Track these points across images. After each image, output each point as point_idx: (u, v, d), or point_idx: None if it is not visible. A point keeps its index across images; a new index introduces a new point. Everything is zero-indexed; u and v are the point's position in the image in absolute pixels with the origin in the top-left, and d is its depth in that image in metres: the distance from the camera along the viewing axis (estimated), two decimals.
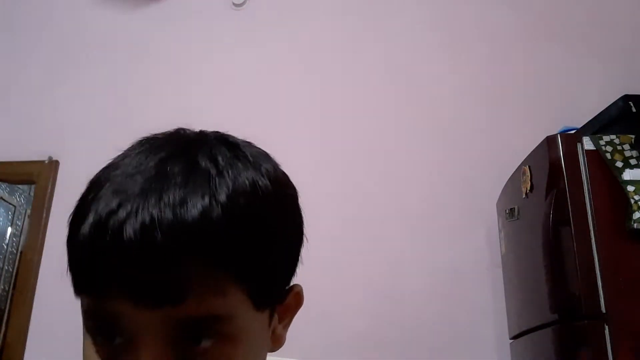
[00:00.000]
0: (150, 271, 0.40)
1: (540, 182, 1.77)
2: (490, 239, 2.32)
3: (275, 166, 0.51)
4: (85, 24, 2.97)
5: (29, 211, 3.37)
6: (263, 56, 2.76)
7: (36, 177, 2.72)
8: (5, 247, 3.59)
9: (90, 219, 0.43)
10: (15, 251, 3.64)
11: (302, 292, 0.56)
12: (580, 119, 2.00)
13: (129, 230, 0.40)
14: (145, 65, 2.85)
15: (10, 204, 3.60)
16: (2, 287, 3.53)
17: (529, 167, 1.86)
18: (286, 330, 0.55)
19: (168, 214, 0.41)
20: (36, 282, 2.53)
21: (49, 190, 2.66)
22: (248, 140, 0.53)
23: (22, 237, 3.61)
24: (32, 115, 2.84)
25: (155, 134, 0.51)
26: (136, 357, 0.42)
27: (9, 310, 2.98)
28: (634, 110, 1.74)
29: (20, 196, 3.66)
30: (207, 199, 0.42)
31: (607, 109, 1.86)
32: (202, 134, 0.51)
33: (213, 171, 0.45)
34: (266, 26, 2.82)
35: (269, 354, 0.55)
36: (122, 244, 0.40)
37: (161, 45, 2.87)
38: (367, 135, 2.56)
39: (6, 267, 3.57)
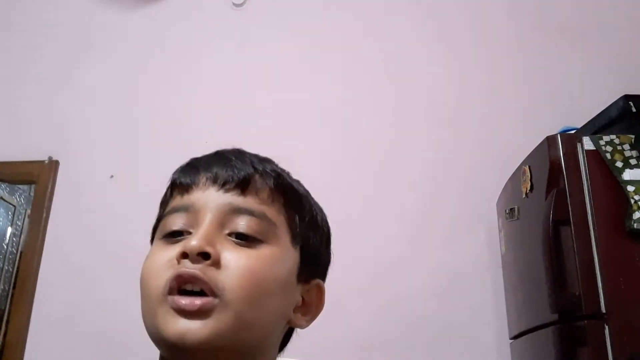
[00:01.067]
0: (231, 170, 0.58)
1: (540, 182, 1.77)
2: (490, 239, 2.32)
3: None
4: (85, 24, 2.97)
5: (29, 211, 3.37)
6: (263, 55, 2.76)
7: (36, 177, 2.72)
8: (5, 247, 3.59)
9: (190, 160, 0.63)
10: (15, 251, 3.64)
11: (324, 291, 0.66)
12: (580, 119, 2.00)
13: (229, 154, 0.61)
14: (145, 65, 2.84)
15: (10, 204, 3.60)
16: (2, 287, 3.53)
17: (529, 167, 1.86)
18: (307, 324, 0.64)
19: (249, 153, 0.62)
20: (36, 282, 2.53)
21: (49, 190, 2.66)
22: None
23: (22, 237, 3.61)
24: (32, 115, 2.84)
25: None
26: (196, 231, 0.55)
27: (9, 310, 2.99)
28: (634, 110, 1.74)
29: (20, 196, 3.67)
30: (276, 164, 0.64)
31: (607, 109, 1.85)
32: None
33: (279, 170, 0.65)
34: (266, 26, 2.82)
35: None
36: (213, 155, 0.61)
37: (161, 45, 2.87)
38: (367, 135, 2.56)
39: (6, 267, 3.58)
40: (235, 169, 0.59)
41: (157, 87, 2.78)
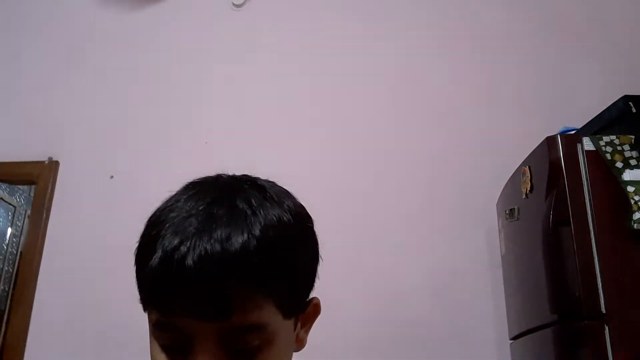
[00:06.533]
0: (205, 294, 0.53)
1: (540, 182, 1.77)
2: (490, 239, 2.32)
3: (295, 202, 0.63)
4: (85, 24, 2.97)
5: (29, 211, 3.36)
6: (262, 56, 2.77)
7: (36, 177, 2.72)
8: (5, 247, 3.58)
9: (158, 253, 0.54)
10: (15, 251, 3.63)
11: (320, 303, 0.67)
12: (580, 120, 2.00)
13: (189, 261, 0.53)
14: (145, 65, 2.85)
15: (10, 204, 3.60)
16: (2, 287, 3.52)
17: (529, 167, 1.86)
18: (307, 334, 0.66)
19: (217, 248, 0.53)
20: (36, 282, 2.53)
21: (49, 191, 2.66)
22: (272, 180, 0.65)
23: (22, 238, 3.60)
24: (32, 116, 2.84)
25: (199, 180, 0.63)
26: (194, 357, 0.54)
27: (9, 311, 2.98)
28: (634, 110, 1.74)
29: (20, 197, 3.66)
30: (245, 234, 0.54)
31: (607, 109, 1.85)
32: (236, 179, 0.63)
33: (249, 212, 0.57)
34: (266, 26, 2.82)
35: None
36: (185, 272, 0.53)
37: (161, 45, 2.87)
38: (366, 134, 2.56)
39: (6, 268, 3.57)
40: (211, 294, 0.53)
41: (156, 87, 2.79)
